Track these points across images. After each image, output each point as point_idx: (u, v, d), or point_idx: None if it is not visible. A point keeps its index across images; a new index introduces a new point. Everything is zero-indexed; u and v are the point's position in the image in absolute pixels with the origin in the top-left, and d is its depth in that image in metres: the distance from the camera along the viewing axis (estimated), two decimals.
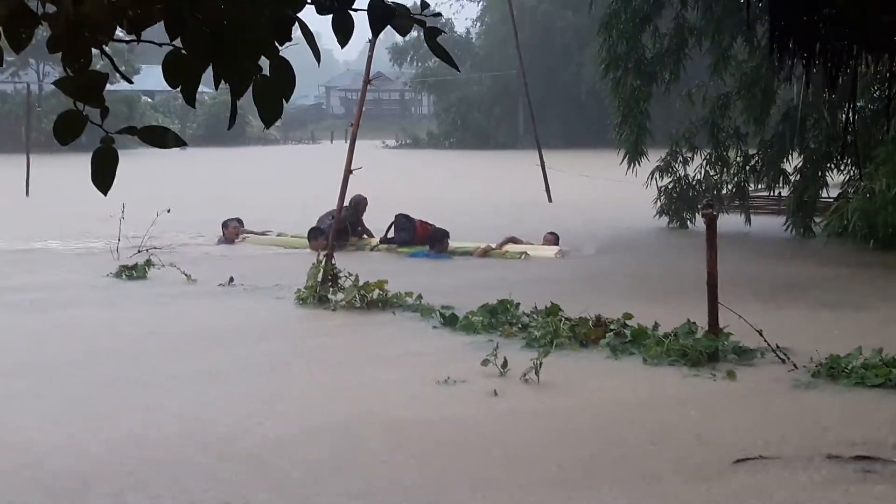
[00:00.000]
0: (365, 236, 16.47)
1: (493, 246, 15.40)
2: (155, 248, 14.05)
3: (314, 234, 15.84)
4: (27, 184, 26.90)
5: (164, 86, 2.44)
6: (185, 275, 12.88)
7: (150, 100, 59.28)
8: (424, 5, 2.44)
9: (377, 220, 16.33)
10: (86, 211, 17.75)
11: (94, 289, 12.66)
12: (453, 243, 15.53)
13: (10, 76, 47.98)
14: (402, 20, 2.33)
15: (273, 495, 5.62)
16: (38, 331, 10.17)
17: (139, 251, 14.05)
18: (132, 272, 13.25)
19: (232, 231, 17.02)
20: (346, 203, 16.22)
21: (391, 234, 16.02)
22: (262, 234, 17.43)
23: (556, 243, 15.70)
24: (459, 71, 3.22)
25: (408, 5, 2.52)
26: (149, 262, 13.45)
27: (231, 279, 12.68)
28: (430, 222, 15.84)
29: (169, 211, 15.43)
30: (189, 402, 7.50)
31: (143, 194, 20.07)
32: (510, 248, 15.41)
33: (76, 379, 8.24)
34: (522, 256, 15.09)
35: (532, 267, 14.34)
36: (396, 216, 16.05)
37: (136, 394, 7.77)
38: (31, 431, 6.80)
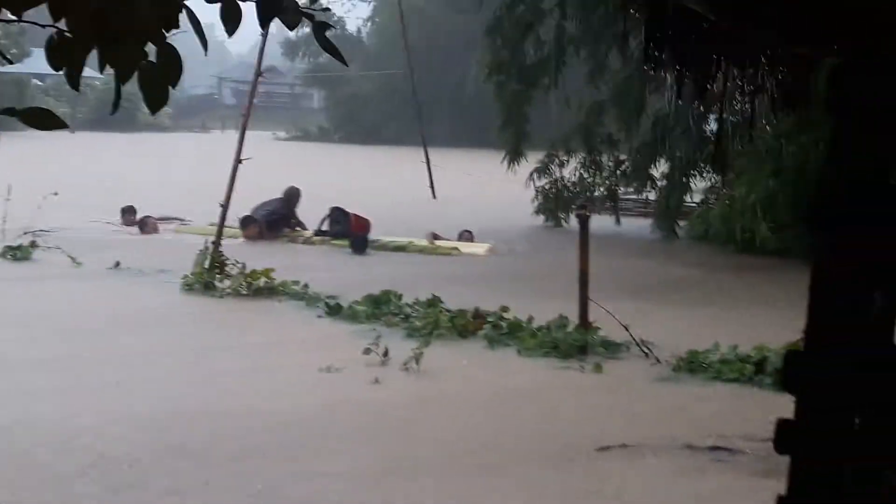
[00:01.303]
0: (298, 228, 16.04)
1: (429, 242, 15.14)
2: (42, 230, 13.55)
3: (247, 222, 15.47)
4: None
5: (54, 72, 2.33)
6: (71, 257, 12.48)
7: (40, 83, 57.25)
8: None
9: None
10: None
11: None
12: (385, 238, 15.17)
13: None
14: (290, 14, 2.28)
15: (138, 485, 5.50)
16: None
17: (25, 233, 13.54)
18: (17, 253, 12.81)
19: (153, 224, 16.30)
20: (281, 195, 16.12)
21: (325, 227, 15.63)
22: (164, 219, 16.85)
23: (472, 240, 15.53)
24: (347, 66, 3.15)
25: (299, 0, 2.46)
26: (33, 244, 13.02)
27: (117, 263, 12.35)
28: (365, 216, 15.43)
29: (56, 194, 14.88)
30: (54, 388, 7.19)
31: (32, 177, 19.36)
32: (442, 244, 15.14)
33: None
34: (454, 252, 14.78)
35: (435, 263, 14.09)
36: (331, 209, 15.67)
37: (22, 377, 7.51)
38: None
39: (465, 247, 15.09)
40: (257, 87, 13.41)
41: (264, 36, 10.56)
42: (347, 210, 15.56)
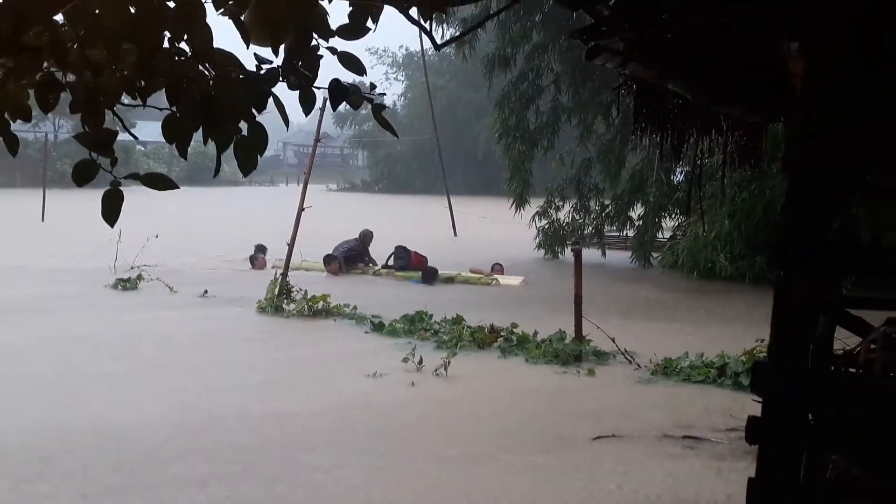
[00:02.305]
0: (371, 263, 15.82)
1: (483, 273, 14.85)
2: (146, 265, 13.64)
3: (329, 259, 15.40)
4: (43, 211, 26.01)
5: (155, 137, 2.38)
6: (169, 287, 12.57)
7: (142, 148, 57.82)
8: (373, 86, 2.43)
9: (324, 247, 16.04)
10: (91, 236, 17.12)
11: (93, 296, 12.28)
12: (441, 272, 14.88)
13: (32, 127, 46.38)
14: (355, 97, 2.32)
15: (222, 466, 5.49)
16: (46, 330, 9.81)
17: (132, 268, 13.65)
18: (126, 284, 12.91)
19: (262, 261, 15.85)
20: (357, 236, 16.03)
21: (391, 262, 15.42)
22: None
23: (503, 271, 15.18)
24: (398, 137, 3.16)
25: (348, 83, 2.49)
26: (139, 277, 13.11)
27: (205, 291, 12.41)
28: (423, 254, 15.23)
29: (157, 236, 14.99)
30: (159, 389, 7.27)
31: (137, 223, 19.44)
32: (483, 276, 14.83)
33: (69, 369, 7.95)
34: (493, 283, 14.46)
35: (476, 290, 13.90)
36: (396, 247, 15.47)
37: (120, 383, 7.55)
38: (28, 411, 6.57)
39: (503, 279, 14.76)
40: (315, 150, 13.49)
41: (322, 110, 10.67)
42: (409, 248, 15.42)
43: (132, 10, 2.11)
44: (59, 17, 2.09)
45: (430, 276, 14.64)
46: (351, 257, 15.61)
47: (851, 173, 2.42)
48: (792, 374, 2.22)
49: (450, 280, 14.71)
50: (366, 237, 16.19)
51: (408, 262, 15.18)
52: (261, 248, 16.43)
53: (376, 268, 15.59)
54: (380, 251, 15.84)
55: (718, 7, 2.39)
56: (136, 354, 8.60)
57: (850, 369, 2.33)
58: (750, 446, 2.50)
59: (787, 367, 2.24)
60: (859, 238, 2.42)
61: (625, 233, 18.71)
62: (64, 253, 17.22)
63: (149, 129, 25.34)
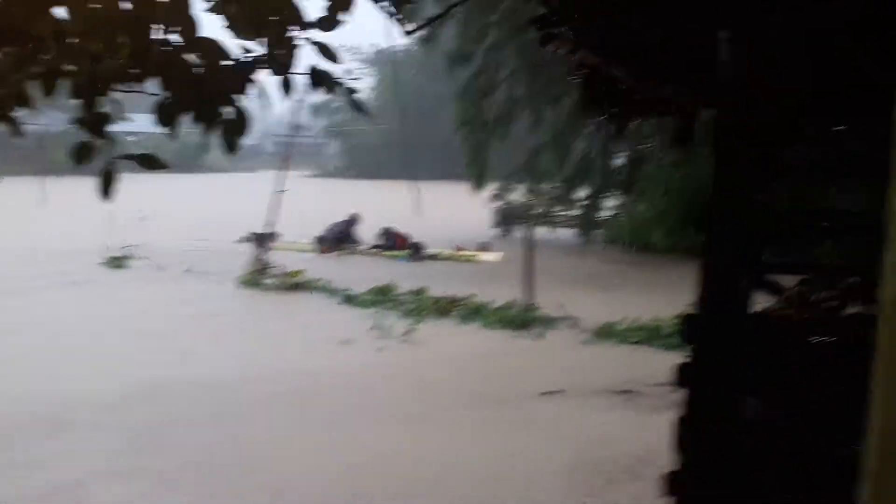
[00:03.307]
0: (358, 244, 15.56)
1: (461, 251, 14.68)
2: (135, 245, 13.44)
3: (320, 240, 15.20)
4: (40, 197, 25.44)
5: (144, 130, 2.37)
6: (157, 264, 12.42)
7: (132, 139, 56.59)
8: (349, 72, 2.45)
9: (309, 226, 15.81)
10: (84, 219, 16.82)
11: (89, 273, 12.10)
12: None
13: (30, 120, 45.27)
14: (329, 82, 2.34)
15: (214, 421, 5.50)
16: (49, 302, 9.67)
17: (122, 248, 13.45)
18: (117, 262, 12.74)
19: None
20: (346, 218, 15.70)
21: (377, 242, 15.25)
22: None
23: (488, 249, 15.06)
24: (370, 116, 3.14)
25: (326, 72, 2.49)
26: (129, 256, 12.94)
27: (188, 268, 12.27)
28: (408, 235, 15.09)
29: (143, 219, 14.75)
30: (130, 357, 7.20)
31: (128, 206, 19.07)
32: (463, 253, 14.68)
33: (69, 337, 7.87)
34: (473, 259, 14.27)
35: (456, 266, 13.74)
36: (382, 228, 15.33)
37: (114, 347, 7.48)
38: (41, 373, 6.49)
39: (483, 255, 14.60)
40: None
41: (300, 102, 10.58)
42: (393, 230, 15.25)
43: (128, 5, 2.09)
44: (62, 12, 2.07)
45: (417, 249, 14.59)
46: (340, 238, 15.49)
47: (771, 151, 2.49)
48: (716, 325, 2.30)
49: (433, 257, 14.60)
50: (353, 220, 16.08)
51: (393, 242, 15.11)
52: (269, 235, 15.95)
53: (364, 248, 15.47)
54: (365, 232, 15.71)
55: None
56: (118, 324, 8.54)
57: (767, 323, 2.41)
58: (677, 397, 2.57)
59: (713, 318, 2.32)
60: (777, 209, 2.50)
61: (572, 212, 18.82)
62: (58, 234, 16.87)
63: (139, 121, 24.80)
